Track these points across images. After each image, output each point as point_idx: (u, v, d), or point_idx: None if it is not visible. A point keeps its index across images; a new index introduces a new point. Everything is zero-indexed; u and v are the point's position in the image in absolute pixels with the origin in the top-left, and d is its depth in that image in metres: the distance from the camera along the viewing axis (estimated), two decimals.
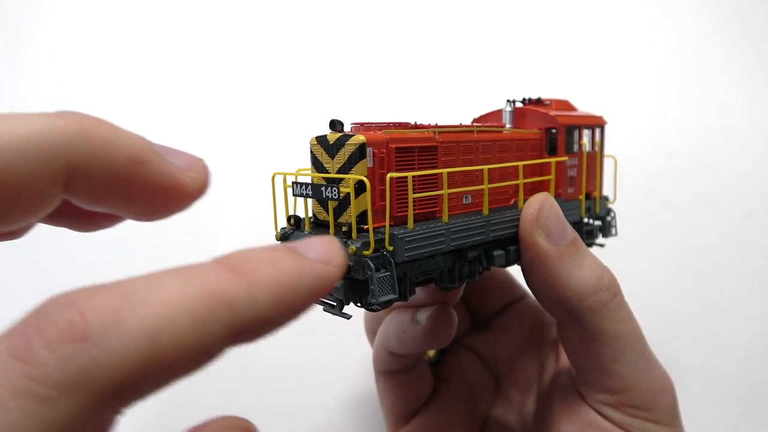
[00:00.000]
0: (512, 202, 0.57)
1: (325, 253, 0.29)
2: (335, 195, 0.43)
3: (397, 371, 0.63)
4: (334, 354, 0.85)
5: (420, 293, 0.56)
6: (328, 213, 0.46)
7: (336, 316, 0.44)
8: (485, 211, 0.52)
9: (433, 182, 0.48)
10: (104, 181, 0.29)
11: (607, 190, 0.70)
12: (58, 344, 0.20)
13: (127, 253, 0.87)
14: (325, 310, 0.45)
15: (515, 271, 0.61)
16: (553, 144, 0.61)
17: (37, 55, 0.93)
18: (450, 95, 0.99)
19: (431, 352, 0.70)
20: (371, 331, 0.66)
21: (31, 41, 0.93)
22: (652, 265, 0.97)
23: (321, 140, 0.47)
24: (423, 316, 0.56)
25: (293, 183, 0.47)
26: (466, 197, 0.53)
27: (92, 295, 0.22)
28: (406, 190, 0.45)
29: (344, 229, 0.43)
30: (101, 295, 0.22)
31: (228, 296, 0.24)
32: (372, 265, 0.41)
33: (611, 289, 0.51)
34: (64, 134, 0.27)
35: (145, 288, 0.23)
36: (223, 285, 0.24)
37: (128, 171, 0.29)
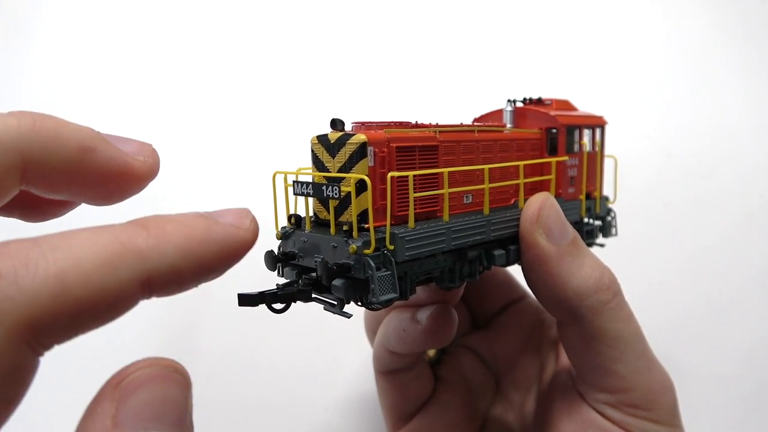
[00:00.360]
0: (513, 201, 0.57)
1: (236, 218, 0.32)
2: (336, 194, 0.43)
3: (397, 371, 0.63)
4: (334, 353, 0.85)
5: (420, 292, 0.56)
6: (329, 212, 0.46)
7: (336, 316, 0.44)
8: (486, 211, 0.52)
9: (433, 181, 0.48)
10: (58, 170, 0.32)
11: (607, 190, 0.70)
12: None
13: None
14: (325, 309, 0.45)
15: (515, 271, 0.61)
16: (553, 144, 0.61)
17: (36, 54, 0.93)
18: (450, 95, 0.99)
19: (431, 352, 0.70)
20: (371, 331, 0.66)
21: (30, 41, 0.93)
22: (652, 265, 0.97)
23: (322, 139, 0.47)
24: (423, 315, 0.56)
25: (294, 182, 0.47)
26: (466, 197, 0.53)
27: (4, 244, 0.24)
28: (407, 189, 0.45)
29: (345, 228, 0.43)
30: (12, 243, 0.24)
31: (135, 246, 0.26)
32: (373, 264, 0.41)
33: (611, 288, 0.51)
34: (16, 130, 0.29)
35: (54, 237, 0.25)
36: (132, 237, 0.27)
37: (79, 158, 0.32)
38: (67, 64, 0.93)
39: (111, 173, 0.34)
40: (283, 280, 0.47)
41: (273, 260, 0.47)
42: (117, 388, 0.26)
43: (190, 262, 0.28)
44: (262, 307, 0.42)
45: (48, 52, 0.94)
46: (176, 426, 0.26)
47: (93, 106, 0.91)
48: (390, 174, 0.44)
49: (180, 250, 0.28)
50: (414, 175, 0.45)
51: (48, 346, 0.25)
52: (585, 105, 0.70)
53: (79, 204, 0.38)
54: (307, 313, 0.45)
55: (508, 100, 0.64)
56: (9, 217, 0.37)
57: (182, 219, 0.29)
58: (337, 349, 0.84)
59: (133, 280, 0.26)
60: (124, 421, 0.25)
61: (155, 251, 0.27)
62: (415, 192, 0.45)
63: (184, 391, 0.27)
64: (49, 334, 0.24)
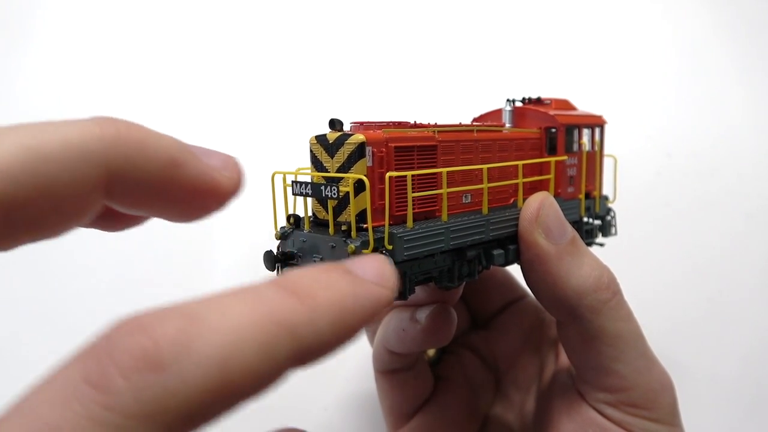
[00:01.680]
0: (512, 201, 0.57)
1: (379, 275, 0.30)
2: (335, 194, 0.43)
3: (396, 370, 0.63)
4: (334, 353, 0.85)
5: (419, 292, 0.56)
6: (327, 212, 0.46)
7: None
8: (485, 211, 0.52)
9: (432, 181, 0.48)
10: (143, 185, 0.29)
11: (606, 190, 0.70)
12: (133, 372, 0.20)
13: (125, 252, 0.87)
14: None
15: (515, 271, 0.61)
16: (552, 143, 0.61)
17: (35, 54, 0.93)
18: (450, 95, 0.99)
19: (431, 352, 0.70)
20: (371, 330, 0.66)
21: (29, 41, 0.93)
22: (651, 265, 0.97)
23: (320, 139, 0.47)
24: (422, 314, 0.56)
25: (293, 182, 0.47)
26: (465, 196, 0.53)
27: (162, 320, 0.22)
28: (406, 189, 0.45)
29: (344, 228, 0.43)
30: (170, 320, 0.22)
31: (291, 322, 0.24)
32: None
33: (611, 287, 0.51)
34: (100, 140, 0.27)
35: (212, 313, 0.23)
36: (286, 310, 0.24)
37: (166, 173, 0.29)
38: (66, 64, 0.94)
39: (197, 190, 0.31)
40: None
41: (272, 260, 0.47)
42: None
43: (340, 335, 0.26)
44: None
45: (47, 52, 0.94)
46: None
47: (92, 106, 0.91)
48: (388, 174, 0.44)
49: (332, 323, 0.25)
50: (412, 175, 0.45)
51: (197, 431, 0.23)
52: (585, 104, 0.70)
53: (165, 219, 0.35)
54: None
55: (507, 100, 0.64)
56: (89, 227, 0.34)
57: (330, 282, 0.27)
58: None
59: (287, 359, 0.24)
60: None
61: (309, 327, 0.24)
62: (413, 192, 0.45)
63: None
64: (201, 420, 0.22)
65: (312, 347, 0.25)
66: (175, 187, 0.30)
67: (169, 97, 0.94)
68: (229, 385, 0.22)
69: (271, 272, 0.48)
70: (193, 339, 0.22)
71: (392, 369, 0.63)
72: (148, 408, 0.20)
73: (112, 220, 0.35)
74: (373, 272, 0.29)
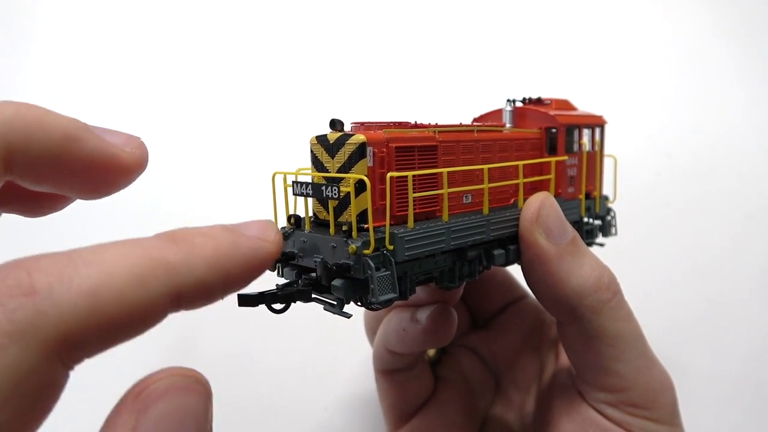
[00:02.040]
0: (512, 201, 0.57)
1: (260, 231, 0.32)
2: (335, 194, 0.43)
3: (397, 370, 0.63)
4: (334, 353, 0.85)
5: (420, 292, 0.56)
6: (328, 212, 0.46)
7: (336, 315, 0.44)
8: (485, 211, 0.52)
9: (433, 182, 0.48)
10: (42, 159, 0.31)
11: (607, 190, 0.70)
12: (7, 298, 0.22)
13: None
14: (325, 309, 0.45)
15: (515, 271, 0.61)
16: (553, 143, 0.61)
17: (35, 54, 0.93)
18: (450, 95, 0.99)
19: (431, 351, 0.70)
20: (371, 330, 0.66)
21: (29, 40, 0.93)
22: (651, 265, 0.97)
23: (321, 139, 0.47)
24: (423, 315, 0.56)
25: (293, 182, 0.47)
26: (466, 196, 0.53)
27: (39, 259, 0.24)
28: (407, 189, 0.45)
29: (344, 228, 0.43)
30: (48, 258, 0.24)
31: (166, 260, 0.26)
32: (372, 265, 0.41)
33: (611, 288, 0.51)
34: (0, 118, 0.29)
35: (87, 252, 0.25)
36: (162, 251, 0.27)
37: (64, 147, 0.32)
38: (65, 64, 0.93)
39: (96, 163, 0.34)
40: (282, 280, 0.47)
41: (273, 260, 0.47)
42: (137, 399, 0.25)
43: (217, 276, 0.29)
44: (262, 307, 0.42)
45: (46, 52, 0.94)
46: None
47: (91, 106, 0.91)
48: (389, 174, 0.44)
49: (208, 265, 0.28)
50: (413, 176, 0.45)
51: (78, 361, 0.25)
52: (585, 105, 0.70)
53: (75, 198, 0.37)
54: (307, 312, 0.45)
55: (508, 100, 0.64)
56: (8, 212, 0.37)
57: (210, 232, 0.30)
58: (337, 349, 0.84)
59: (163, 295, 0.26)
60: None
61: (184, 266, 0.27)
62: (414, 192, 0.45)
63: (205, 402, 0.27)
64: (80, 349, 0.24)
65: (188, 285, 0.27)
66: (73, 160, 0.33)
67: (170, 99, 0.94)
68: (102, 312, 0.24)
69: (271, 272, 0.48)
70: (66, 270, 0.24)
71: (392, 369, 0.63)
72: (20, 327, 0.22)
73: (29, 203, 0.37)
74: (254, 229, 0.33)
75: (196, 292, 0.28)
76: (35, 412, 0.24)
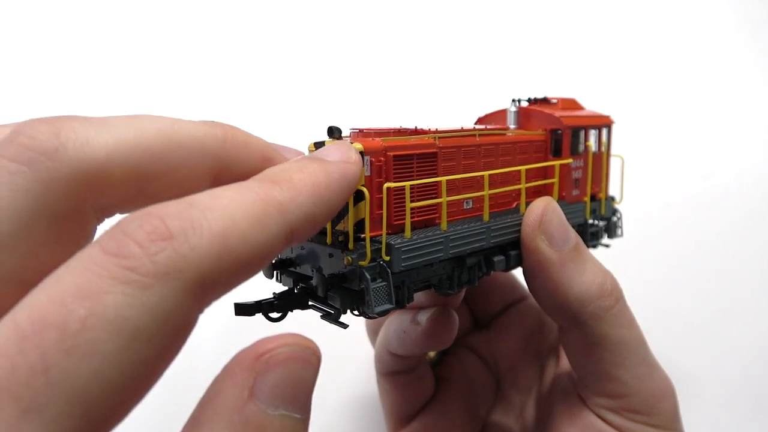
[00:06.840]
0: (515, 205, 0.57)
1: (343, 154, 0.35)
2: None
3: (398, 372, 0.63)
4: (335, 355, 0.85)
5: (421, 295, 0.56)
6: None
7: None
8: (486, 218, 0.51)
9: (432, 190, 0.48)
10: (242, 177, 0.33)
11: (613, 190, 0.69)
12: (147, 242, 0.23)
13: None
14: (322, 318, 0.45)
15: (517, 271, 0.61)
16: (557, 146, 0.60)
17: (35, 54, 0.93)
18: (455, 94, 0.98)
19: (431, 353, 0.70)
20: (373, 332, 0.66)
21: (28, 40, 0.94)
22: (651, 265, 0.97)
23: (319, 146, 0.46)
24: (423, 317, 0.55)
25: None
26: (467, 202, 0.52)
27: (165, 206, 0.25)
28: (404, 198, 0.45)
29: (341, 238, 0.43)
30: (172, 205, 0.25)
31: (276, 200, 0.28)
32: (368, 276, 0.41)
33: (613, 294, 0.51)
34: (215, 139, 0.32)
35: (205, 197, 0.26)
36: (269, 192, 0.28)
37: (260, 167, 0.34)
38: (64, 64, 0.93)
39: None
40: (279, 287, 0.47)
41: (270, 267, 0.47)
42: (258, 360, 0.26)
43: (322, 207, 0.31)
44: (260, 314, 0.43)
45: (46, 51, 0.94)
46: (304, 410, 0.27)
47: (90, 106, 0.91)
48: (386, 185, 0.43)
49: (312, 199, 0.30)
50: (411, 185, 0.45)
51: (209, 302, 0.26)
52: (592, 104, 0.68)
53: None
54: (307, 314, 0.46)
55: (513, 100, 0.63)
56: None
57: (303, 167, 0.31)
58: (338, 351, 0.84)
59: (280, 234, 0.28)
60: (261, 395, 0.26)
61: (292, 203, 0.29)
62: (412, 201, 0.45)
63: (315, 376, 0.28)
64: (211, 290, 0.25)
65: (299, 221, 0.29)
66: None
67: (170, 100, 0.94)
68: (232, 253, 0.25)
69: (269, 279, 0.48)
70: (194, 216, 0.25)
71: (394, 371, 0.63)
72: (162, 268, 0.23)
73: None
74: (337, 154, 0.35)
75: (305, 226, 0.30)
76: (174, 351, 0.25)
